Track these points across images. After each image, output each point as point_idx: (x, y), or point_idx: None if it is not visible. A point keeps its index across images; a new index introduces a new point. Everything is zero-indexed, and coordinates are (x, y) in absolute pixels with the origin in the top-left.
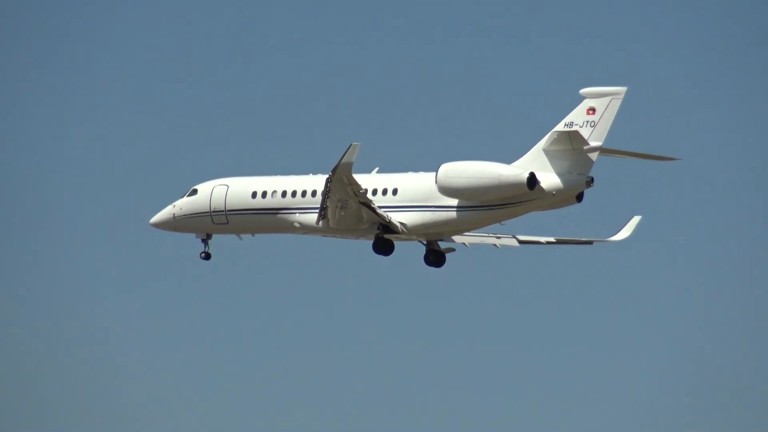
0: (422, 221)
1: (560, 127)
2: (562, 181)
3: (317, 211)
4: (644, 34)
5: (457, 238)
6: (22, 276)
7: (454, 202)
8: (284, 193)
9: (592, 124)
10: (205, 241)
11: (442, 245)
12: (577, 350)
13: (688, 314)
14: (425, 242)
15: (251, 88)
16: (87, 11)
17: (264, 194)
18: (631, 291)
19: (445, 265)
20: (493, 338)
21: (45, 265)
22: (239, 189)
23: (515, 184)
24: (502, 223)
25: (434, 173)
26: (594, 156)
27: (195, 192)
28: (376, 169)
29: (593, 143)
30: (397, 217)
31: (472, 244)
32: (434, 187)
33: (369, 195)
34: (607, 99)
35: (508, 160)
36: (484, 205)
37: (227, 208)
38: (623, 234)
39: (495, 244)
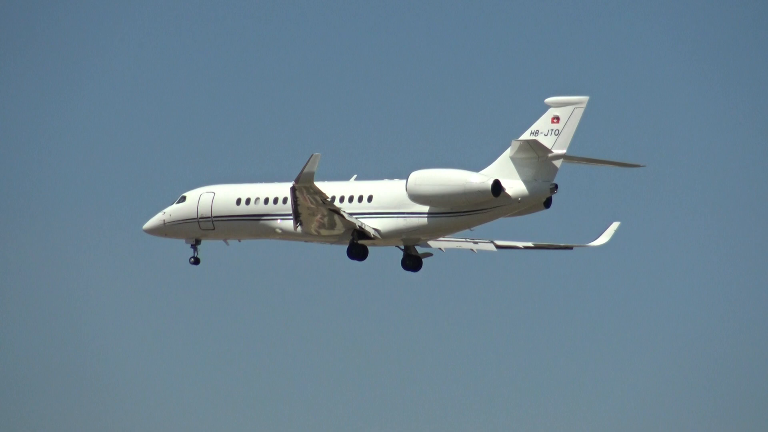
0: (395, 227)
1: (526, 135)
2: (528, 188)
3: (333, 207)
4: (611, 43)
5: (434, 243)
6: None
7: (425, 208)
8: (266, 200)
9: (557, 132)
10: (194, 247)
11: (420, 250)
12: (558, 353)
13: (672, 317)
14: (402, 247)
15: (234, 95)
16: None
17: (248, 201)
18: (613, 295)
19: (422, 269)
20: (469, 341)
21: (37, 268)
22: (225, 196)
23: (480, 191)
24: (472, 228)
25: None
26: (558, 163)
27: (184, 199)
28: (354, 176)
29: (557, 151)
30: (371, 224)
31: (450, 249)
32: (406, 194)
33: (345, 202)
34: (570, 108)
35: (480, 167)
36: (453, 212)
37: (213, 215)
38: (603, 239)
39: (472, 249)
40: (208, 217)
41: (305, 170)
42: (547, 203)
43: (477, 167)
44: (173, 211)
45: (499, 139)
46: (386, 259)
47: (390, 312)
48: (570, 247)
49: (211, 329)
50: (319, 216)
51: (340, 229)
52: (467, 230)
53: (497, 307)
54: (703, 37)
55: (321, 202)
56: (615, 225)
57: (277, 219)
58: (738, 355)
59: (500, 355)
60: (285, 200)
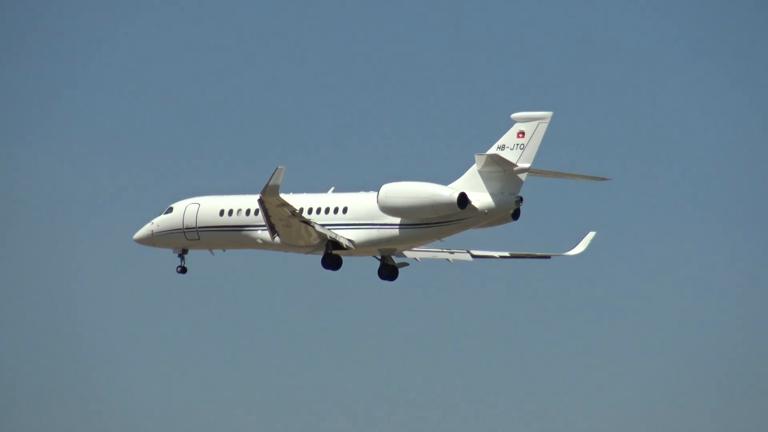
0: (368, 238)
1: (493, 149)
2: (494, 200)
3: (300, 217)
4: (577, 59)
5: (409, 254)
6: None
7: (397, 220)
8: (248, 212)
9: (522, 146)
10: (181, 256)
11: (397, 260)
12: (540, 360)
13: (654, 322)
14: (379, 257)
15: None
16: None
17: (230, 212)
18: (595, 302)
19: (398, 278)
20: (446, 348)
21: (27, 274)
22: (209, 207)
23: (447, 203)
24: (442, 239)
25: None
26: (523, 177)
27: (171, 210)
28: (332, 188)
29: (521, 165)
30: (346, 234)
31: (425, 259)
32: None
33: (322, 213)
34: (534, 123)
35: (450, 180)
36: (423, 223)
37: (198, 225)
38: (579, 248)
39: (448, 259)
40: (194, 228)
41: (270, 183)
42: (515, 215)
43: (448, 180)
44: (161, 221)
45: (470, 153)
46: (363, 268)
47: (367, 320)
48: (548, 257)
49: (195, 336)
50: (294, 227)
51: (315, 239)
52: (438, 241)
53: (475, 315)
54: (669, 52)
55: (290, 213)
56: (591, 234)
57: (257, 230)
58: (718, 355)
59: (478, 363)
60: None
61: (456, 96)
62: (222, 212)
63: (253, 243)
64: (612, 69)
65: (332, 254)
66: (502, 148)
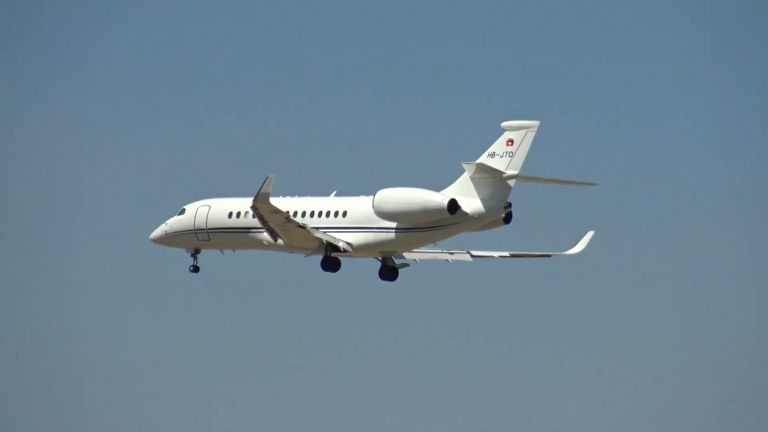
0: (366, 241)
1: (483, 157)
2: (484, 206)
3: (295, 223)
4: (565, 70)
5: (409, 255)
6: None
7: (393, 224)
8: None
9: (510, 154)
10: (194, 256)
11: (397, 261)
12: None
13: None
14: (380, 258)
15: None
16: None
17: (238, 214)
18: (597, 299)
19: (398, 279)
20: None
21: (39, 271)
22: (219, 209)
23: (438, 209)
24: (435, 243)
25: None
26: (512, 183)
27: (183, 211)
28: (335, 192)
29: (510, 172)
30: (345, 237)
31: (425, 260)
32: None
33: (323, 217)
34: (523, 132)
35: (445, 185)
36: (417, 227)
37: (208, 227)
38: (579, 247)
39: (447, 260)
40: (204, 229)
41: (261, 192)
42: (507, 219)
43: (443, 185)
44: (174, 222)
45: (464, 159)
46: (365, 269)
47: (368, 320)
48: (548, 255)
49: (201, 333)
50: (292, 230)
51: (314, 241)
52: (432, 244)
53: (477, 314)
54: (650, 60)
55: (285, 219)
56: (590, 234)
57: (263, 232)
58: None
59: (479, 362)
60: None
61: (455, 104)
62: (230, 214)
63: (260, 244)
64: (602, 73)
65: (331, 257)
66: (493, 155)
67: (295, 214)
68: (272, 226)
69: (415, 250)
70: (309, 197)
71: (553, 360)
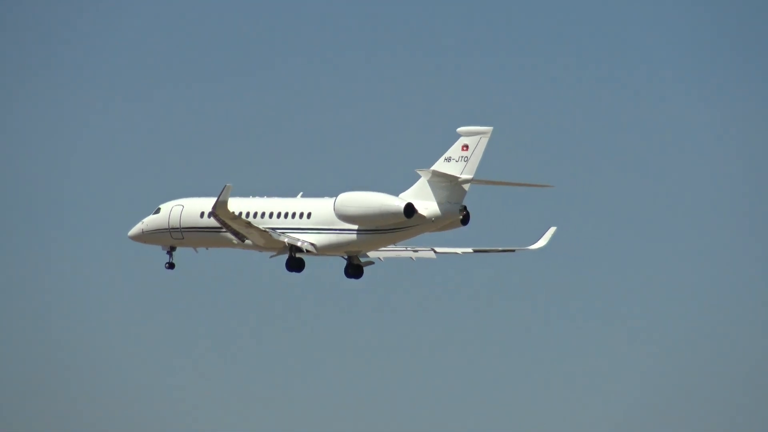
0: (329, 242)
1: (440, 161)
2: (440, 209)
3: (256, 228)
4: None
5: (373, 253)
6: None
7: (355, 226)
8: None
9: (466, 159)
10: (169, 253)
11: (363, 259)
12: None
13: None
14: (346, 257)
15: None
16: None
17: (209, 215)
18: (562, 291)
19: (363, 277)
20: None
21: (25, 269)
22: (191, 209)
23: (395, 213)
24: (395, 244)
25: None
26: (467, 187)
27: (158, 210)
28: (301, 193)
29: (465, 176)
30: (309, 238)
31: (390, 258)
32: None
33: (289, 218)
34: (477, 137)
35: (404, 189)
36: (377, 229)
37: (182, 226)
38: (541, 242)
39: (411, 257)
40: (178, 228)
41: (219, 200)
42: (465, 221)
43: (402, 189)
44: (150, 221)
45: (422, 164)
46: (331, 267)
47: (334, 317)
48: (512, 250)
49: (176, 327)
50: (255, 233)
51: (279, 243)
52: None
53: (444, 310)
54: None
55: (246, 224)
56: (552, 229)
57: None
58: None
59: (446, 357)
60: (241, 215)
61: (420, 108)
62: (202, 214)
63: (230, 243)
64: (556, 76)
65: (295, 257)
66: (449, 159)
67: (263, 215)
68: (237, 228)
69: (382, 248)
70: (276, 198)
71: (523, 352)
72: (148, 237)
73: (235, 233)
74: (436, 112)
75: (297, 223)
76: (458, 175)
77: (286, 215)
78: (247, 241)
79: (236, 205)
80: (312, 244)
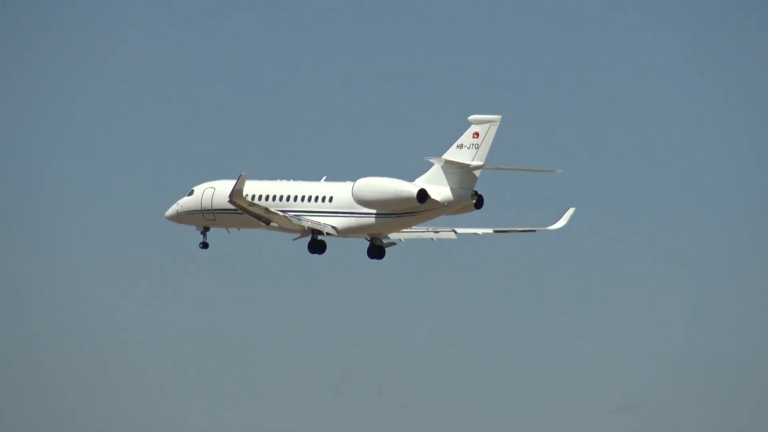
0: (349, 225)
1: (452, 148)
2: (453, 194)
3: (275, 214)
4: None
5: (395, 235)
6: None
7: (374, 210)
8: (253, 197)
9: (476, 146)
10: (203, 233)
11: (385, 241)
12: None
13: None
14: (369, 238)
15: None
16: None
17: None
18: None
19: (385, 257)
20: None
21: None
22: (222, 191)
23: (408, 198)
24: (411, 227)
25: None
26: (478, 173)
27: (192, 192)
28: (324, 177)
29: (475, 162)
30: (330, 222)
31: (411, 239)
32: None
33: (312, 201)
34: (487, 125)
35: (419, 174)
36: (394, 213)
37: (213, 208)
38: (561, 223)
39: (432, 238)
40: (210, 210)
41: (235, 188)
42: (479, 205)
43: (418, 174)
44: (184, 202)
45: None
46: (355, 248)
47: (357, 297)
48: (533, 230)
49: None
50: (277, 217)
51: (299, 227)
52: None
53: (466, 289)
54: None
55: (264, 210)
56: (571, 210)
57: None
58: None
59: (468, 337)
60: (267, 197)
61: (451, 98)
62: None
63: (258, 224)
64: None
65: (317, 240)
66: (461, 146)
67: (288, 198)
68: (259, 213)
69: (404, 230)
70: (300, 182)
71: (545, 331)
72: (183, 218)
73: (258, 217)
74: (450, 100)
75: (319, 206)
76: (470, 163)
77: (309, 198)
78: (272, 224)
79: (262, 188)
80: (333, 227)
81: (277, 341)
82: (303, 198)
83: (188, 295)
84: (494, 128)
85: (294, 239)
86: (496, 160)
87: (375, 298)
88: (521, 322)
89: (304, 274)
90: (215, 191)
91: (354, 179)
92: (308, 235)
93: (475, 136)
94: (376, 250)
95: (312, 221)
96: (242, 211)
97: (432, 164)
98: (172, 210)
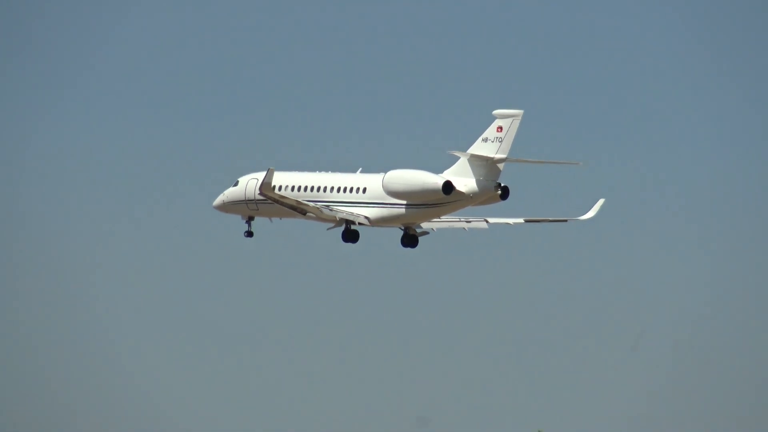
0: (381, 215)
1: (477, 142)
2: (478, 186)
3: (315, 204)
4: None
5: (427, 224)
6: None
7: (403, 200)
8: (293, 188)
9: (500, 139)
10: (248, 222)
11: (418, 230)
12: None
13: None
14: (402, 228)
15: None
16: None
17: (281, 188)
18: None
19: (418, 246)
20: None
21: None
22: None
23: (434, 190)
24: (440, 217)
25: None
26: (501, 166)
27: (237, 183)
28: (360, 169)
29: (498, 156)
30: (364, 212)
31: (444, 228)
32: None
33: (347, 192)
34: (510, 120)
35: (446, 167)
36: (423, 204)
37: (256, 198)
38: (591, 213)
39: (464, 228)
40: (253, 200)
41: (264, 182)
42: (504, 196)
43: (447, 167)
44: (229, 193)
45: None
46: (389, 238)
47: (391, 284)
48: (564, 220)
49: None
50: (310, 208)
51: (332, 217)
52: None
53: (497, 277)
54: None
55: (295, 202)
56: (601, 201)
57: None
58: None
59: (498, 324)
60: (305, 188)
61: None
62: (273, 188)
63: (297, 214)
64: (587, 64)
65: (350, 230)
66: (485, 140)
67: (325, 189)
68: (290, 204)
69: (436, 219)
70: (337, 173)
71: (577, 320)
72: (229, 207)
73: (293, 208)
74: (475, 95)
75: (353, 197)
76: (493, 156)
77: (344, 189)
78: (309, 214)
79: (299, 179)
80: (366, 217)
81: (309, 329)
82: (339, 189)
83: (228, 282)
84: (517, 122)
85: (328, 229)
86: (518, 153)
87: (407, 287)
88: (553, 312)
89: (338, 262)
90: (258, 182)
91: (387, 172)
92: (340, 226)
93: (499, 129)
94: (410, 239)
95: (345, 212)
96: (277, 203)
97: (458, 157)
98: (218, 200)
